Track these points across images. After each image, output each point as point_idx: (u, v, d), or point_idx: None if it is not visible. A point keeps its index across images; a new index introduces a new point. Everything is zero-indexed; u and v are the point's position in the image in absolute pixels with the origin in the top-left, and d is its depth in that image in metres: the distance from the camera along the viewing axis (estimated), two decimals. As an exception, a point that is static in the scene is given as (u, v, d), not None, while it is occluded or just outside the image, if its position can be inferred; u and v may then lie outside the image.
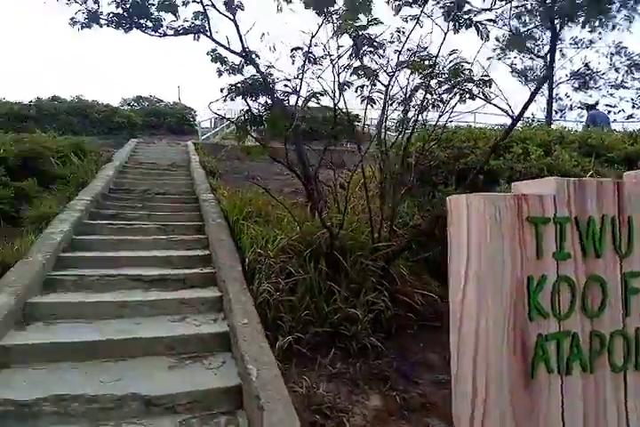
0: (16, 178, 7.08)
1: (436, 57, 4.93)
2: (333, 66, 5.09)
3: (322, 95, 5.87)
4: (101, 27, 5.88)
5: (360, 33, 4.89)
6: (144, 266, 4.86)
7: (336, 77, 5.15)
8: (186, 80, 68.47)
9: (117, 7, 5.86)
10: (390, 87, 5.26)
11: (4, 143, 7.73)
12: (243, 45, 6.48)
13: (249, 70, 7.58)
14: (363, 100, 5.50)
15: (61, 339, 3.33)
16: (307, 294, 4.30)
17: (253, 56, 6.23)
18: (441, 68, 4.97)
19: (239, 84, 6.30)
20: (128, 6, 5.76)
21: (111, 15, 5.76)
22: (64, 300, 3.93)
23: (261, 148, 7.07)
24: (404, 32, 4.81)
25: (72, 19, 5.97)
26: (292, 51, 5.62)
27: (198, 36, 7.26)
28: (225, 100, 5.94)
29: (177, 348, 3.43)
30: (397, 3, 5.12)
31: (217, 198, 7.20)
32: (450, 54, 4.69)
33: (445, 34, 4.66)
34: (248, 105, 5.25)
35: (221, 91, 8.38)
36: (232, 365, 3.26)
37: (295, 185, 11.15)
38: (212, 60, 7.64)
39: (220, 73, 7.90)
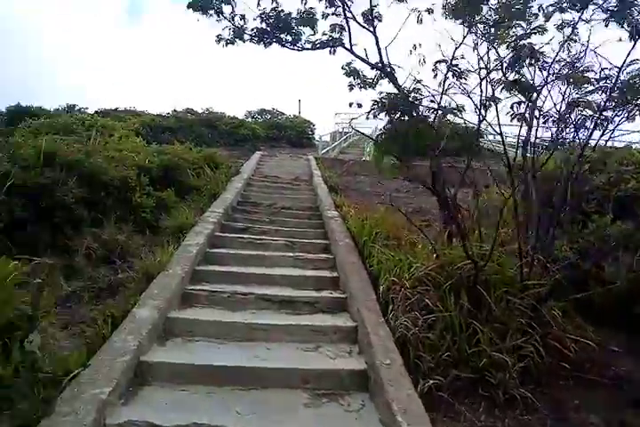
0: (157, 188, 7.48)
1: (603, 69, 4.34)
2: (482, 79, 4.68)
3: (461, 111, 5.49)
4: (244, 42, 6.02)
5: (520, 42, 4.44)
6: (273, 284, 4.78)
7: (484, 92, 4.73)
8: (305, 94, 70.70)
9: (262, 22, 5.98)
10: (542, 102, 4.73)
11: (150, 154, 8.26)
12: (381, 58, 6.28)
13: (382, 84, 7.38)
14: (513, 118, 5.00)
15: (200, 361, 3.29)
16: (446, 333, 3.91)
17: (395, 69, 5.99)
18: (612, 80, 4.35)
19: (384, 100, 6.11)
20: (272, 21, 5.84)
21: (255, 30, 5.86)
22: (200, 317, 3.92)
23: (391, 165, 6.76)
24: (572, 40, 4.26)
25: (218, 35, 6.19)
26: (435, 64, 5.30)
27: (334, 50, 7.19)
28: (368, 117, 5.77)
29: (311, 382, 3.21)
30: (551, 9, 4.60)
31: (342, 216, 7.03)
32: (628, 65, 4.06)
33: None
34: (391, 121, 4.98)
35: (350, 105, 8.22)
36: (372, 409, 2.98)
37: (416, 204, 10.75)
38: (346, 74, 7.52)
39: (351, 87, 7.77)
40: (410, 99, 4.97)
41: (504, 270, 4.40)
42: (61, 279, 4.76)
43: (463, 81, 5.16)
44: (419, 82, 5.07)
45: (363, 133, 8.20)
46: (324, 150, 16.79)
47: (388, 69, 6.45)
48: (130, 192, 6.70)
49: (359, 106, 8.33)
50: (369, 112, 5.68)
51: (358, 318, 3.89)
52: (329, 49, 7.31)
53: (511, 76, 4.65)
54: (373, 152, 6.00)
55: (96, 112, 19.52)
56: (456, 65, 5.09)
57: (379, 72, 7.07)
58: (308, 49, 7.18)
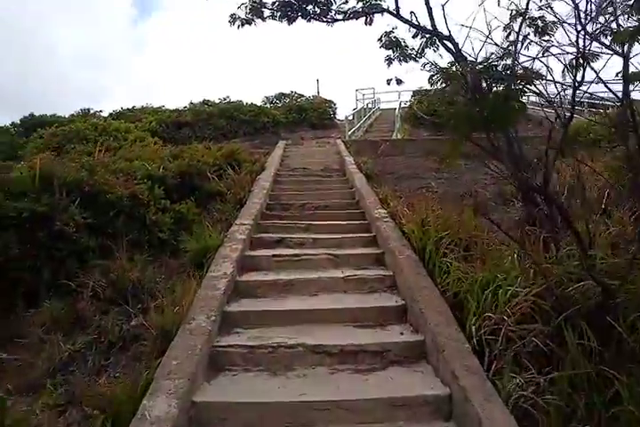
0: (174, 199, 6.47)
1: None
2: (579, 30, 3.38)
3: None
4: (264, 20, 4.87)
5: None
6: (324, 324, 3.69)
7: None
8: (323, 73, 68.52)
9: (285, -7, 4.80)
10: None
11: (164, 160, 7.22)
12: (432, 21, 5.01)
13: (427, 55, 6.13)
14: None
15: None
16: (574, 391, 2.77)
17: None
18: None
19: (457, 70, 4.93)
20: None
21: (277, 4, 4.69)
22: (235, 398, 2.82)
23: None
24: None
25: (232, 15, 5.05)
26: (510, 20, 4.04)
27: (371, 19, 5.95)
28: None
29: None
30: None
31: (391, 214, 5.86)
32: None
33: None
34: (474, 95, 3.73)
35: (388, 82, 6.93)
36: None
37: (463, 186, 9.48)
38: (384, 46, 6.28)
39: (389, 62, 6.52)
40: (499, 67, 3.73)
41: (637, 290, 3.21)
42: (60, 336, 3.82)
43: (547, 38, 3.93)
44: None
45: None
46: (350, 131, 15.47)
47: (446, 34, 5.23)
48: (142, 210, 5.69)
49: (399, 82, 7.08)
50: (432, 83, 4.48)
51: (450, 380, 2.77)
52: (365, 18, 6.09)
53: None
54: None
55: (110, 114, 18.65)
56: (537, 18, 3.84)
57: (425, 39, 5.86)
58: (339, 20, 5.99)
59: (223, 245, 4.93)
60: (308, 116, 21.56)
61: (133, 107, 22.33)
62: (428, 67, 6.22)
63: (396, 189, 8.98)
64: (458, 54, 5.37)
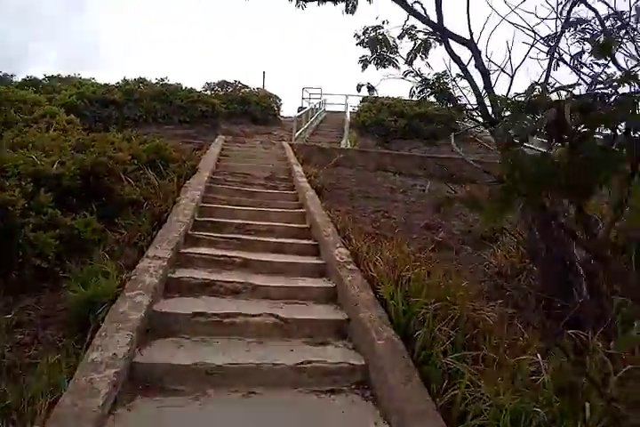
0: (72, 206, 4.75)
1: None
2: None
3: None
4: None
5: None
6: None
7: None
8: (270, 67, 66.19)
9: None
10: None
11: (63, 153, 5.40)
12: (440, 15, 3.73)
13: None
14: None
15: None
16: None
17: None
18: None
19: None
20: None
21: None
22: None
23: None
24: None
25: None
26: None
27: (354, 6, 4.58)
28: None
29: None
30: None
31: (354, 257, 4.52)
32: None
33: None
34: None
35: (359, 89, 5.75)
36: None
37: (422, 212, 8.39)
38: (362, 44, 4.96)
39: (365, 65, 5.20)
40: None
41: None
42: None
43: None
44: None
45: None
46: (298, 132, 14.04)
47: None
48: (13, 223, 3.96)
49: (370, 89, 5.77)
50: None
51: None
52: (347, 4, 4.73)
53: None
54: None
55: (24, 80, 15.91)
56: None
57: (419, 42, 4.69)
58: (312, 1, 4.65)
59: (123, 296, 3.33)
60: (250, 109, 19.85)
61: (58, 75, 19.53)
62: (412, 76, 4.98)
63: (350, 210, 7.72)
64: (479, 62, 4.14)
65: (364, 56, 5.07)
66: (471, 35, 4.17)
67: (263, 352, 3.13)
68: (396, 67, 5.15)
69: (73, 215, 4.51)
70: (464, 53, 4.38)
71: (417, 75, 4.87)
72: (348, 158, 11.38)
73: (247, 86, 23.42)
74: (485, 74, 4.05)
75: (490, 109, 3.96)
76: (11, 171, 4.45)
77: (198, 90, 20.31)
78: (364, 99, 21.92)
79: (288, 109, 31.13)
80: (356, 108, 21.52)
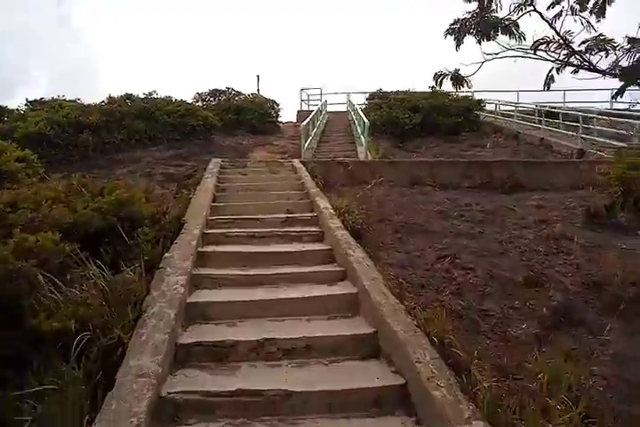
0: None
1: None
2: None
3: None
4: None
5: None
6: None
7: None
8: (263, 70, 63.32)
9: None
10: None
11: None
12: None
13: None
14: None
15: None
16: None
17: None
18: None
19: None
20: None
21: None
22: None
23: None
24: None
25: None
26: None
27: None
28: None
29: None
30: None
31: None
32: None
33: None
34: None
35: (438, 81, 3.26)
36: None
37: (504, 249, 5.90)
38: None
39: (460, 34, 2.82)
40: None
41: None
42: None
43: None
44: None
45: None
46: (306, 143, 11.57)
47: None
48: None
49: (457, 81, 3.36)
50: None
51: None
52: None
53: None
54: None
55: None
56: None
57: None
58: None
59: None
60: (247, 117, 17.50)
61: (40, 99, 17.00)
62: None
63: (405, 262, 5.26)
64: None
65: (457, 22, 2.65)
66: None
67: None
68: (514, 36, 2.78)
69: None
70: None
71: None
72: (374, 172, 8.94)
73: (241, 93, 20.95)
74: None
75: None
76: None
77: (189, 101, 17.96)
78: (372, 95, 19.41)
79: (286, 113, 28.60)
80: (363, 106, 19.02)
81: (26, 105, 16.83)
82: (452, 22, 3.03)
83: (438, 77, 3.35)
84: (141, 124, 13.85)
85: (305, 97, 23.83)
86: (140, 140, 13.64)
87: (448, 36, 3.33)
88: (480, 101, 18.31)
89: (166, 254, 4.10)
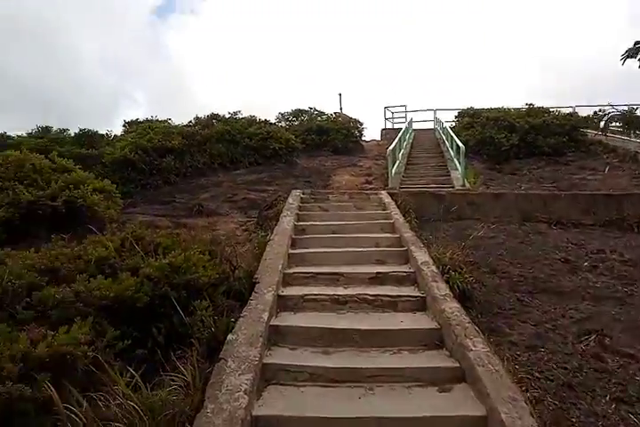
0: None
1: None
2: None
3: None
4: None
5: None
6: None
7: None
8: (344, 86, 63.04)
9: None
10: None
11: None
12: None
13: None
14: None
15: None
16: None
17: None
18: None
19: None
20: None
21: None
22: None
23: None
24: None
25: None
26: None
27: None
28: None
29: None
30: None
31: None
32: None
33: None
34: None
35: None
36: None
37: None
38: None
39: None
40: None
41: None
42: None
43: None
44: None
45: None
46: (393, 169, 10.48)
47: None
48: None
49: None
50: None
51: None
52: None
53: None
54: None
55: (76, 134, 13.77)
56: None
57: None
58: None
59: None
60: (330, 137, 16.81)
61: (136, 120, 17.39)
62: None
63: (537, 342, 3.98)
64: None
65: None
66: None
67: None
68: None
69: None
70: None
71: None
72: (475, 206, 7.65)
73: (323, 113, 20.39)
74: None
75: None
76: None
77: (272, 121, 17.63)
78: (462, 113, 17.93)
79: (369, 131, 27.72)
80: (452, 124, 17.56)
81: (123, 126, 17.40)
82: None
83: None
84: (223, 148, 13.55)
85: (389, 115, 22.81)
86: (221, 164, 13.34)
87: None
88: (587, 118, 16.18)
89: (229, 337, 3.19)
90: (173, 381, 2.68)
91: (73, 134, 13.48)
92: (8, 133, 12.92)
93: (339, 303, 4.08)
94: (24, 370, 2.11)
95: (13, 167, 7.52)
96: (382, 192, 7.81)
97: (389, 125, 22.43)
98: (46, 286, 2.88)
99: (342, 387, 3.05)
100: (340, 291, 4.28)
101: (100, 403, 2.31)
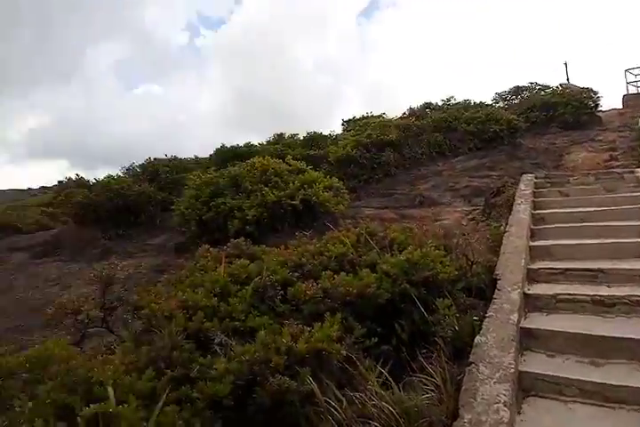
0: None
1: None
2: None
3: None
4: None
5: None
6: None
7: None
8: (569, 54, 55.32)
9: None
10: None
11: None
12: None
13: None
14: None
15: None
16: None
17: None
18: None
19: None
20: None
21: None
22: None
23: None
24: None
25: None
26: None
27: None
28: None
29: None
30: None
31: None
32: None
33: None
34: None
35: None
36: None
37: None
38: None
39: None
40: None
41: None
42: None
43: None
44: None
45: None
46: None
47: None
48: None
49: None
50: None
51: None
52: None
53: None
54: None
55: (304, 137, 15.11)
56: None
57: None
58: None
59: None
60: (557, 113, 14.83)
61: (353, 118, 18.37)
62: None
63: None
64: None
65: None
66: None
67: None
68: None
69: None
70: None
71: None
72: None
73: (548, 86, 18.14)
74: None
75: None
76: None
77: (488, 103, 16.46)
78: None
79: (605, 100, 23.51)
80: None
81: (342, 124, 18.49)
82: None
83: None
84: (440, 136, 13.17)
85: (631, 78, 18.97)
86: (439, 152, 12.99)
87: None
88: None
89: (477, 339, 2.93)
90: (422, 383, 2.56)
91: (302, 138, 14.80)
92: (252, 142, 14.90)
93: (604, 306, 3.42)
94: (287, 363, 2.25)
95: (259, 172, 8.59)
96: (638, 170, 6.41)
97: (633, 90, 18.65)
98: (297, 281, 3.10)
99: (623, 409, 2.50)
100: (604, 291, 3.58)
101: (355, 400, 2.33)
